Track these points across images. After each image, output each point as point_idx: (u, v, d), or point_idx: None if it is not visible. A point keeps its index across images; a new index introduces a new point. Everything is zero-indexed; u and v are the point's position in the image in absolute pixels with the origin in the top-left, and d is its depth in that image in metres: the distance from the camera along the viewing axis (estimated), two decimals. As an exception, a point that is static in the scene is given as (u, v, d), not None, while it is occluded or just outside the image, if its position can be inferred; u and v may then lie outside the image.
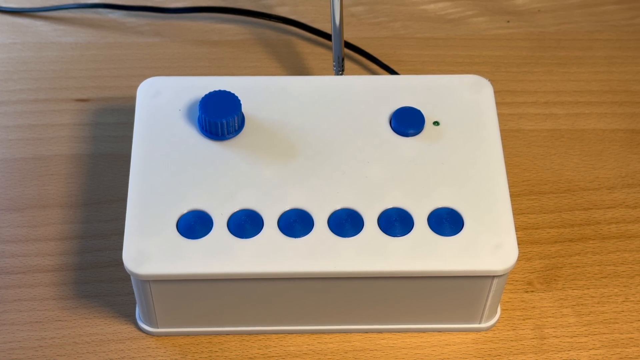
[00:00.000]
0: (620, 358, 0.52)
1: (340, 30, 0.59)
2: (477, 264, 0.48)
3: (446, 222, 0.49)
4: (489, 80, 0.55)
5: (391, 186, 0.50)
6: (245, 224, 0.49)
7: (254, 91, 0.54)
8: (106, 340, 0.53)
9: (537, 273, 0.56)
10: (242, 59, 0.66)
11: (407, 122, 0.53)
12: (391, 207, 0.50)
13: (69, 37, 0.67)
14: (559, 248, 0.57)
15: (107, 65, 0.66)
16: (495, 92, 0.55)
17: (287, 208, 0.50)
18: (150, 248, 0.48)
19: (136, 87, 0.54)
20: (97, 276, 0.55)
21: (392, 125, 0.53)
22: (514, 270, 0.55)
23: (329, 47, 0.67)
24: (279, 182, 0.51)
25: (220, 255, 0.48)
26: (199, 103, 0.52)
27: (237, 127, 0.52)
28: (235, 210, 0.50)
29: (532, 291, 0.55)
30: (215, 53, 0.66)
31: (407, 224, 0.49)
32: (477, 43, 0.68)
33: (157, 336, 0.53)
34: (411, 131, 0.53)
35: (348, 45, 0.66)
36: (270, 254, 0.48)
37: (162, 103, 0.54)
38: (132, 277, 0.49)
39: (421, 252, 0.48)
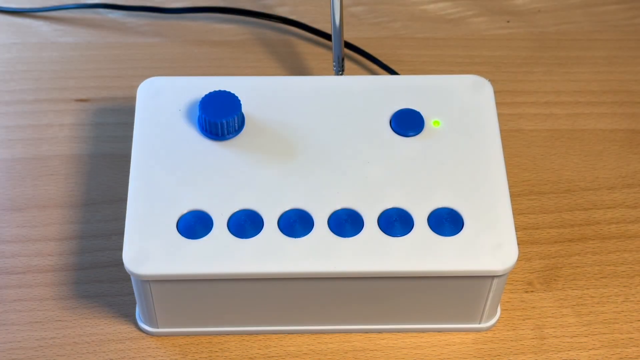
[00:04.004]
0: (620, 358, 0.52)
1: (340, 30, 0.59)
2: (477, 264, 0.48)
3: (446, 222, 0.49)
4: (489, 80, 0.55)
5: (391, 186, 0.50)
6: (245, 224, 0.49)
7: (254, 91, 0.54)
8: (106, 340, 0.53)
9: (537, 273, 0.56)
10: (242, 59, 0.66)
11: (407, 125, 0.53)
12: (391, 207, 0.50)
13: (69, 37, 0.67)
14: (559, 248, 0.57)
15: (107, 66, 0.66)
16: (495, 92, 0.55)
17: (287, 208, 0.50)
18: (150, 248, 0.48)
19: (136, 87, 0.54)
20: (97, 276, 0.55)
21: (392, 127, 0.53)
22: (513, 270, 0.55)
23: (329, 47, 0.67)
24: (279, 182, 0.51)
25: (220, 255, 0.48)
26: (199, 103, 0.52)
27: (237, 127, 0.52)
28: (235, 211, 0.50)
29: (532, 291, 0.55)
30: (215, 53, 0.66)
31: (407, 224, 0.49)
32: (477, 43, 0.68)
33: (157, 336, 0.53)
34: (411, 134, 0.53)
35: (348, 45, 0.66)
36: (270, 254, 0.48)
37: (162, 103, 0.54)
38: (132, 277, 0.49)
39: (421, 252, 0.48)
